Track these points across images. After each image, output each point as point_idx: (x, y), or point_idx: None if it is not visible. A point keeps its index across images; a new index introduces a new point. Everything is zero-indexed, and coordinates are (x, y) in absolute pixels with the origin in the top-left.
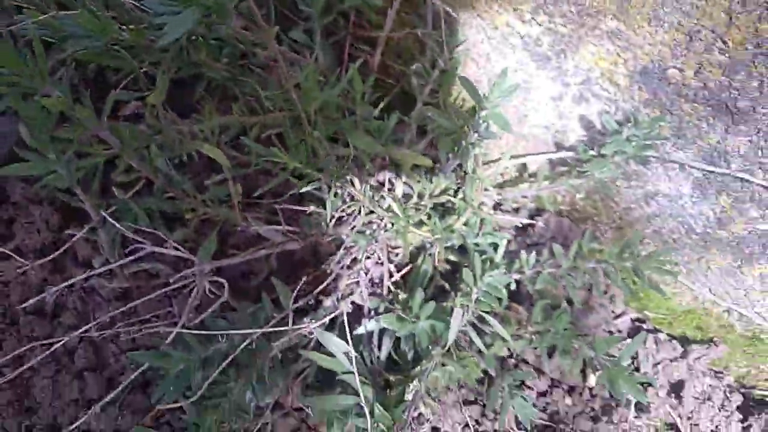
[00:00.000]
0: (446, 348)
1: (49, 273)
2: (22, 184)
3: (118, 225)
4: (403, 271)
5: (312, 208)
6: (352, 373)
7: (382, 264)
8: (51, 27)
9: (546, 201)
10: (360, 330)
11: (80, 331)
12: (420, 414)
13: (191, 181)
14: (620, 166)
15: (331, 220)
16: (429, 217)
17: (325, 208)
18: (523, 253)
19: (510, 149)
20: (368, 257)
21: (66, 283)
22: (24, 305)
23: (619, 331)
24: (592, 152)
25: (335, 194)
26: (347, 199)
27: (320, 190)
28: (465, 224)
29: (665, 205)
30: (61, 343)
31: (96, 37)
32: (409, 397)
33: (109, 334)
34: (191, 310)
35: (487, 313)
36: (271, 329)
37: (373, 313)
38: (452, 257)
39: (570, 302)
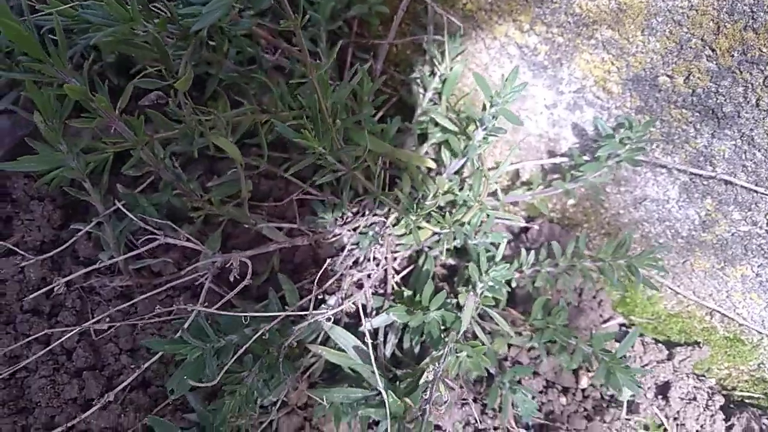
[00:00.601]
0: (459, 334)
1: (48, 271)
2: (24, 180)
3: (131, 215)
4: (402, 273)
5: (330, 195)
6: (363, 365)
7: (384, 264)
8: (70, 16)
9: (540, 206)
10: (364, 327)
11: (79, 329)
12: (433, 400)
13: (196, 181)
14: (612, 169)
15: (342, 216)
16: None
17: (328, 210)
18: (523, 252)
19: (505, 158)
20: (373, 258)
21: (67, 278)
22: (21, 302)
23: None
24: (585, 157)
25: (349, 188)
26: (353, 199)
27: (322, 190)
28: (468, 223)
29: (653, 210)
30: (59, 341)
31: (119, 26)
32: (430, 376)
33: (108, 334)
34: (203, 302)
35: (490, 307)
36: (294, 313)
37: (374, 312)
38: (450, 260)
39: (567, 303)
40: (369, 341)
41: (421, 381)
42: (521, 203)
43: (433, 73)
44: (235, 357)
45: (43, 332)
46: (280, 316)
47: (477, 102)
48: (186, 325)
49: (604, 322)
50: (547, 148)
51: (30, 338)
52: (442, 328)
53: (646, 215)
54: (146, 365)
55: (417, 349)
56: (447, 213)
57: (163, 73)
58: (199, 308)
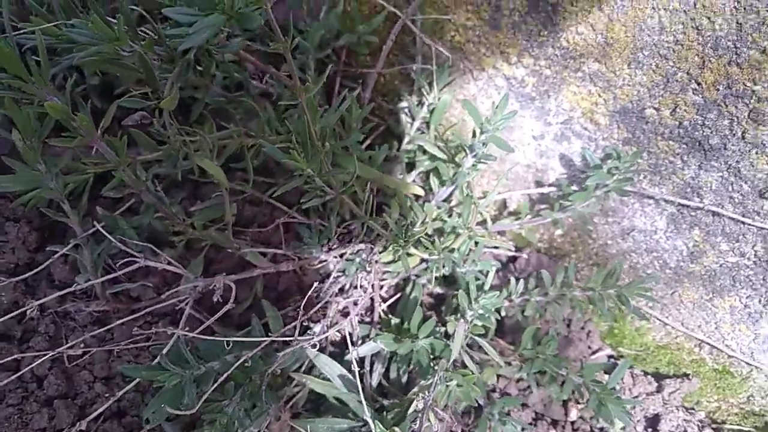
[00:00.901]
0: (450, 362)
1: (21, 294)
2: (0, 200)
3: (111, 237)
4: (389, 301)
5: (317, 220)
6: (349, 395)
7: (371, 292)
8: (54, 35)
9: (528, 236)
10: (350, 356)
11: (51, 354)
12: (423, 430)
13: (179, 205)
14: (600, 200)
15: (329, 242)
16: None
17: (314, 235)
18: (513, 280)
19: (493, 188)
20: (360, 286)
21: (41, 302)
22: None
23: None
24: (573, 187)
25: (336, 213)
26: (340, 224)
27: (308, 216)
28: (457, 250)
29: (641, 241)
30: (30, 367)
31: (104, 45)
32: (419, 405)
33: (82, 361)
34: (183, 328)
35: (479, 336)
36: (278, 338)
37: (361, 341)
38: (438, 289)
39: (557, 333)
40: (356, 370)
41: (410, 411)
42: (508, 233)
43: (421, 103)
44: (215, 385)
45: (12, 357)
46: (263, 342)
47: (464, 132)
48: (165, 351)
49: (593, 353)
50: (535, 178)
51: (3, 366)
52: (431, 356)
53: (634, 246)
54: (121, 393)
55: (404, 379)
56: (436, 240)
57: (148, 95)
58: (180, 332)
